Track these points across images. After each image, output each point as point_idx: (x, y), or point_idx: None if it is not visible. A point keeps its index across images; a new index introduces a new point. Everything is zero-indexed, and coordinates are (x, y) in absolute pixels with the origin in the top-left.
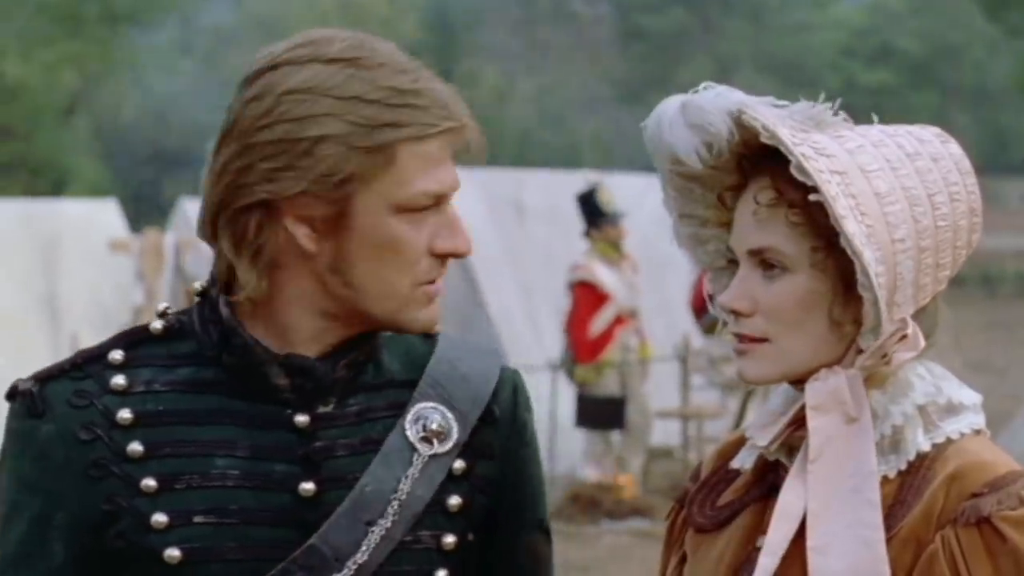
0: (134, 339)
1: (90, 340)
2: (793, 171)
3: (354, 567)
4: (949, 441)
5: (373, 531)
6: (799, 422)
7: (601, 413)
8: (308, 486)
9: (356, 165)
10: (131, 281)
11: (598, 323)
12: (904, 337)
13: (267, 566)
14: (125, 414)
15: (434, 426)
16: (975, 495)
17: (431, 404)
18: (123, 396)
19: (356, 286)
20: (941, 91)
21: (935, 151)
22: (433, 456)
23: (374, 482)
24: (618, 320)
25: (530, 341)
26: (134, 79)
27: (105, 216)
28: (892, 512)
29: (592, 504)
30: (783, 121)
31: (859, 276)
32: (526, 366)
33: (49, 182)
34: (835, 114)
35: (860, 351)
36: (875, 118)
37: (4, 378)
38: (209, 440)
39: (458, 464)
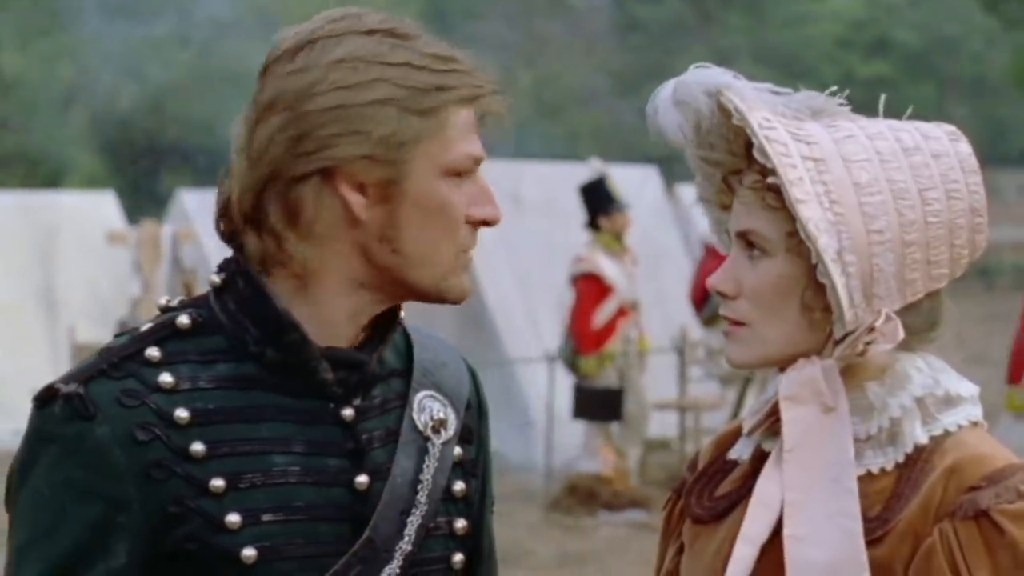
0: (163, 335)
1: (87, 332)
2: (755, 153)
3: (400, 557)
4: (947, 433)
5: (410, 520)
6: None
7: (598, 405)
8: (362, 479)
9: (413, 127)
10: (128, 273)
11: (601, 315)
12: (879, 329)
13: (329, 561)
14: (182, 413)
15: (440, 415)
16: (973, 488)
17: (429, 392)
18: (172, 394)
19: (405, 252)
20: (939, 83)
21: (939, 148)
22: (444, 444)
23: (402, 472)
24: (621, 312)
25: (528, 333)
26: (131, 71)
27: (102, 208)
28: (890, 505)
29: (589, 496)
30: (769, 106)
31: (813, 259)
32: (524, 358)
33: (46, 174)
34: (842, 104)
35: (838, 342)
36: (880, 111)
37: (2, 369)
38: (266, 437)
39: (457, 451)
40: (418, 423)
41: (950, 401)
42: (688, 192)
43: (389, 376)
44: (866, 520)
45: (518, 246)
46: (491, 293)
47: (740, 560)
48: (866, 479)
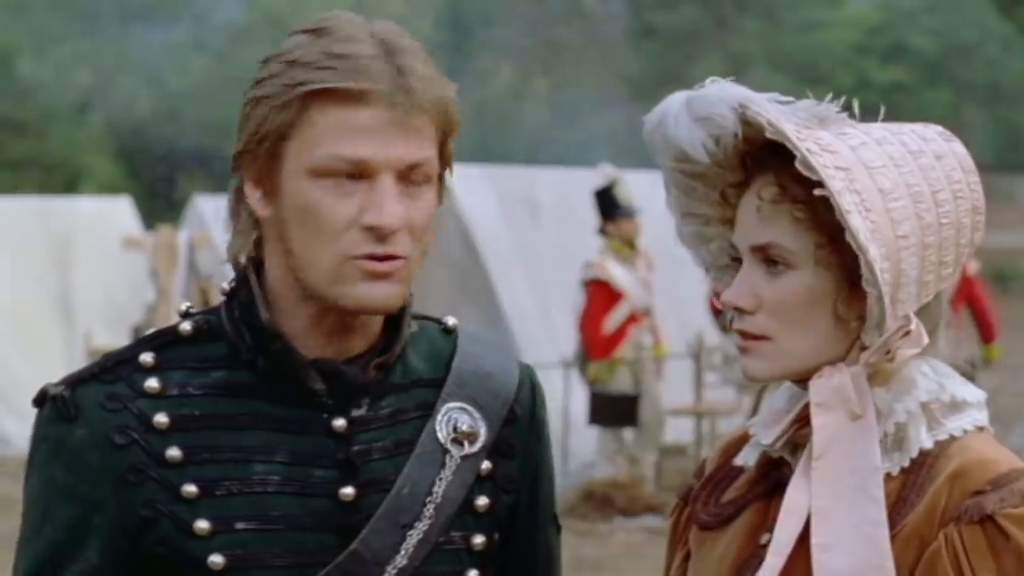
0: (163, 341)
1: (103, 337)
2: (799, 166)
3: (394, 571)
4: (952, 438)
5: (411, 534)
6: (804, 420)
7: (614, 410)
8: (348, 491)
9: (273, 121)
10: (144, 278)
11: (611, 321)
12: (907, 333)
13: (309, 572)
14: (161, 418)
15: (464, 428)
16: (978, 492)
17: (459, 404)
18: (157, 399)
19: (294, 253)
20: (955, 89)
21: (939, 149)
22: (464, 457)
23: (410, 485)
24: (631, 318)
25: (543, 339)
26: (147, 76)
27: (118, 213)
28: (895, 510)
29: (605, 501)
30: (787, 117)
31: (864, 271)
32: (539, 364)
33: (63, 179)
34: (843, 111)
35: (864, 348)
36: (884, 115)
37: (19, 374)
38: (247, 446)
39: (485, 465)
40: (439, 435)
41: (956, 406)
42: None
43: (413, 386)
44: None
45: (533, 251)
46: (506, 298)
47: (769, 569)
48: None
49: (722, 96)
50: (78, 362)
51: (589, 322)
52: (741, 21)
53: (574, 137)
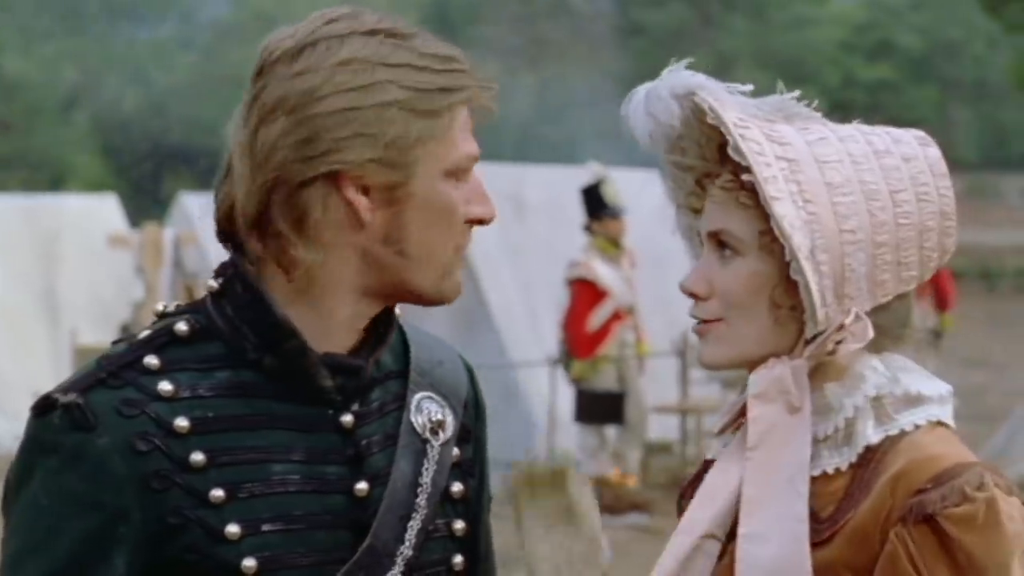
0: (161, 343)
1: (89, 335)
2: (730, 150)
3: (402, 562)
4: (903, 433)
5: (410, 524)
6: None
7: (600, 408)
8: (362, 486)
9: (419, 129)
10: (130, 276)
11: (595, 319)
12: (842, 327)
13: (330, 569)
14: (181, 422)
15: (437, 416)
16: (920, 491)
17: (426, 394)
18: (171, 403)
19: (408, 254)
20: (941, 86)
21: (909, 152)
22: (442, 445)
23: (401, 476)
24: (615, 316)
25: (529, 337)
26: (133, 74)
27: (104, 211)
28: (841, 506)
29: None
30: (742, 107)
31: (787, 257)
32: (525, 361)
33: (48, 177)
34: (814, 110)
35: (808, 342)
36: (869, 112)
37: (5, 372)
38: (264, 446)
39: (455, 452)
40: (416, 425)
41: (911, 401)
42: None
43: (386, 379)
44: (819, 521)
45: (520, 249)
46: (493, 296)
47: (675, 548)
48: (822, 479)
49: (672, 85)
50: (64, 360)
51: (573, 320)
52: (728, 19)
53: (561, 135)
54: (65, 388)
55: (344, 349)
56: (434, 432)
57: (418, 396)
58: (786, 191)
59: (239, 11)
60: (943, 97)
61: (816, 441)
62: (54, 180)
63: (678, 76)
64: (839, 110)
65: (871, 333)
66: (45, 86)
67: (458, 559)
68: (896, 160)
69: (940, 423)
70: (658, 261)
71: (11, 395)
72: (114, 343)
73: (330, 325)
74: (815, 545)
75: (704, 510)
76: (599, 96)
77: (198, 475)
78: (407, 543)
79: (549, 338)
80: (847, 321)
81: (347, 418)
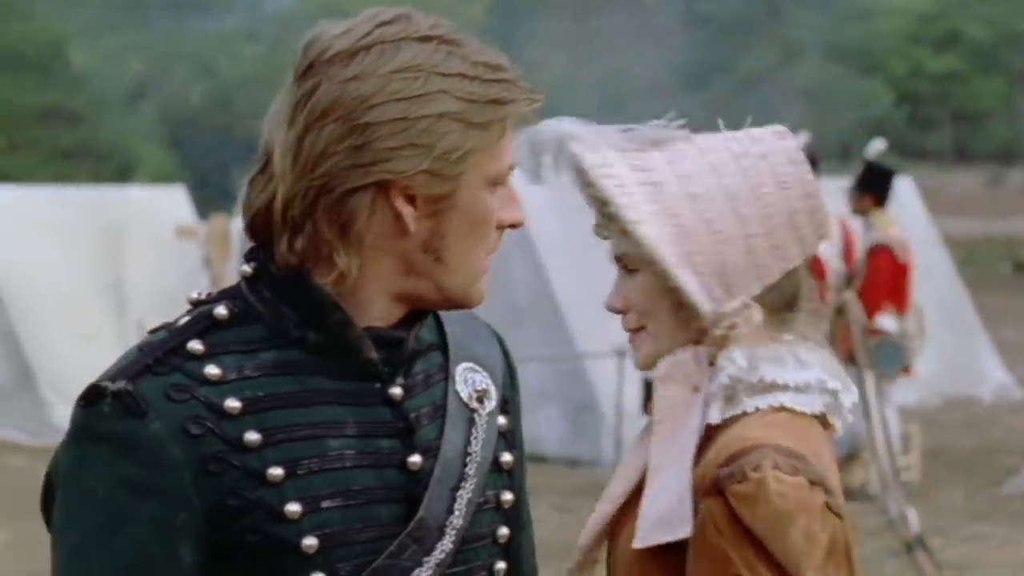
0: (202, 327)
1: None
2: (589, 191)
3: (453, 533)
4: (744, 414)
5: (460, 495)
6: None
7: None
8: (415, 459)
9: (473, 141)
10: (198, 267)
11: None
12: (734, 313)
13: (385, 543)
14: (233, 403)
15: (482, 386)
16: (719, 466)
17: (468, 364)
18: (220, 385)
19: (445, 261)
20: (1008, 77)
21: (765, 149)
22: (489, 415)
23: (452, 447)
24: None
25: (596, 328)
26: (200, 66)
27: (172, 202)
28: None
29: None
30: (615, 145)
31: (656, 268)
32: (592, 352)
33: (115, 168)
34: (680, 128)
35: (706, 331)
36: (936, 103)
37: (71, 363)
38: (318, 421)
39: (501, 421)
40: (463, 395)
41: (763, 388)
42: None
43: (428, 350)
44: None
45: (585, 241)
46: (559, 288)
47: (597, 516)
48: None
49: (545, 140)
50: None
51: None
52: (794, 9)
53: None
54: (112, 376)
55: (388, 323)
56: (480, 401)
57: (461, 367)
58: (648, 212)
59: (305, 2)
60: (1010, 88)
61: None
62: (121, 172)
63: (554, 126)
64: (906, 101)
65: (758, 316)
66: (112, 78)
67: (503, 531)
68: (754, 160)
69: (783, 408)
70: None
71: (78, 386)
72: (151, 331)
73: (362, 316)
74: None
75: (621, 482)
76: (662, 87)
77: (254, 455)
78: (457, 513)
79: (616, 329)
80: (728, 309)
81: (396, 390)
